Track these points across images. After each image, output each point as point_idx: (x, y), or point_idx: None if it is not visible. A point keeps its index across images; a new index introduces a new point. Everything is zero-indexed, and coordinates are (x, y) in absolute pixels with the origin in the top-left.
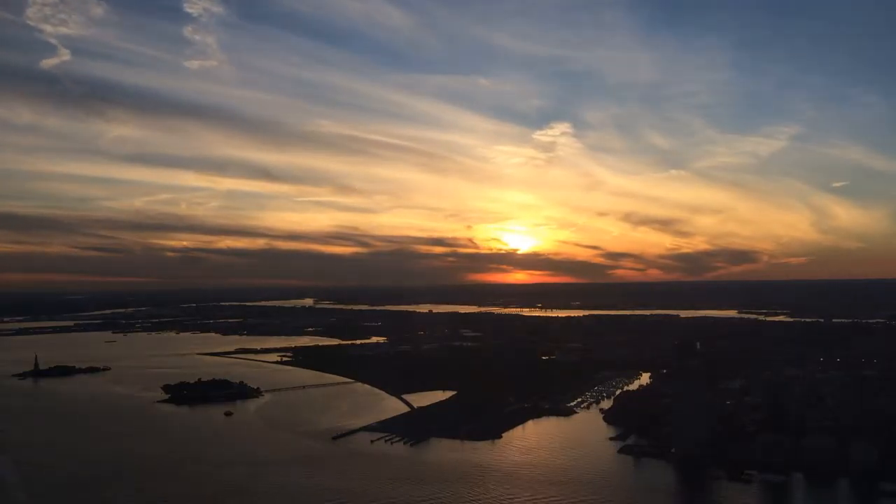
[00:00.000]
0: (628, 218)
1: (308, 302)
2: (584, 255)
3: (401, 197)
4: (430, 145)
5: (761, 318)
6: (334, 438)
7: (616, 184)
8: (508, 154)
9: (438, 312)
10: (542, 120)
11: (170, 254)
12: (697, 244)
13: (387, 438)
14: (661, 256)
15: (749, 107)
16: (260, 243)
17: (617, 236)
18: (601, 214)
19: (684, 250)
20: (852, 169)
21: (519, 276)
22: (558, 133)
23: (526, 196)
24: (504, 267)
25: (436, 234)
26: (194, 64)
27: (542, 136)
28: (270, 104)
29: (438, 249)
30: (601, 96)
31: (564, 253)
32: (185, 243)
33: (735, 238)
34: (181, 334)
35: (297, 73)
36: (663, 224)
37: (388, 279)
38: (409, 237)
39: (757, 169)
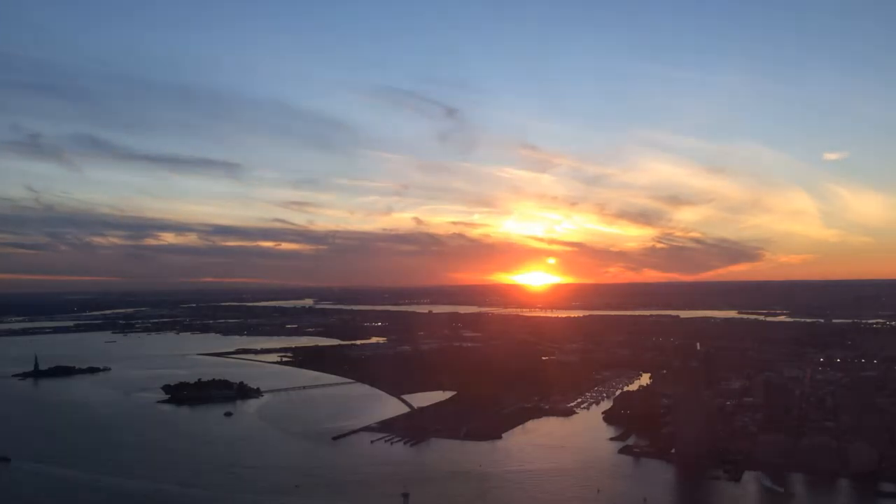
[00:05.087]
0: (603, 210)
1: (308, 302)
2: (566, 252)
3: (307, 180)
4: (275, 107)
5: (761, 318)
6: (334, 439)
7: (571, 165)
8: (398, 118)
9: (438, 312)
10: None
11: (104, 252)
12: (687, 241)
13: (387, 439)
14: (652, 254)
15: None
16: (192, 237)
17: (595, 231)
18: (572, 205)
19: (675, 245)
20: (857, 137)
21: (504, 277)
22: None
23: (457, 181)
24: (487, 266)
25: (388, 228)
26: None
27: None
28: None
29: (407, 247)
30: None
31: (544, 250)
32: (113, 240)
33: (727, 233)
34: (181, 334)
35: None
36: (646, 218)
37: (368, 279)
38: (366, 233)
39: (731, 130)
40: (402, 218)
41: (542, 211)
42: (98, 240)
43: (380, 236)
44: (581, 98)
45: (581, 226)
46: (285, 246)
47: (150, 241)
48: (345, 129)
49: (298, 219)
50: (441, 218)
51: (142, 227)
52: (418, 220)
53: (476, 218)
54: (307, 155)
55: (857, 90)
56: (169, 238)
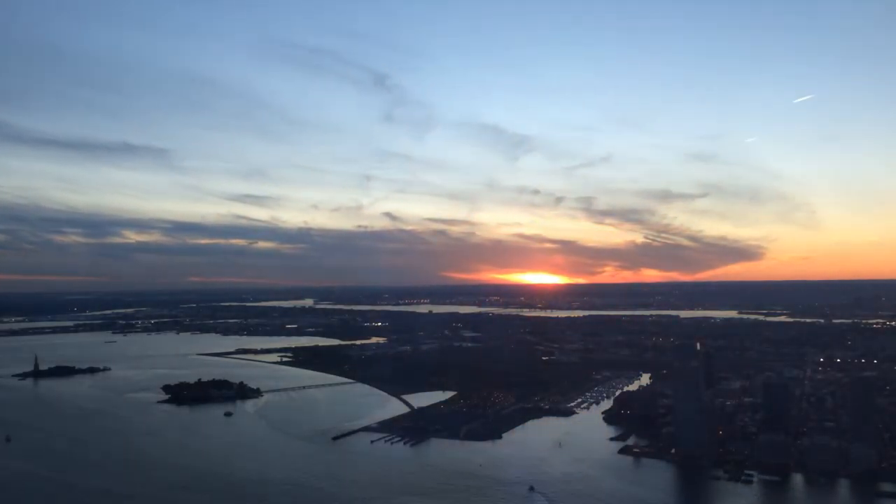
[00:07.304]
0: (589, 205)
1: (308, 302)
2: (557, 250)
3: (255, 172)
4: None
5: (761, 318)
6: (334, 439)
7: (545, 153)
8: (325, 86)
9: (438, 313)
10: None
11: (75, 250)
12: (682, 238)
13: (387, 439)
14: (647, 252)
15: None
16: (156, 236)
17: (584, 228)
18: (557, 200)
19: (670, 243)
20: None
21: (498, 276)
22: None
23: (421, 172)
24: (480, 266)
25: (363, 225)
26: None
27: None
28: None
29: (392, 245)
30: None
31: (535, 248)
32: (76, 238)
33: (726, 231)
34: (181, 334)
35: None
36: (637, 214)
37: (359, 279)
38: (342, 231)
39: (728, 122)
40: (373, 214)
41: (525, 206)
42: (59, 238)
43: (358, 234)
44: (546, 70)
45: (568, 223)
46: (261, 244)
47: (116, 240)
48: (273, 109)
49: (261, 214)
50: (413, 212)
51: (97, 224)
52: (391, 216)
53: (451, 213)
54: (244, 141)
55: (862, 83)
56: (133, 236)
